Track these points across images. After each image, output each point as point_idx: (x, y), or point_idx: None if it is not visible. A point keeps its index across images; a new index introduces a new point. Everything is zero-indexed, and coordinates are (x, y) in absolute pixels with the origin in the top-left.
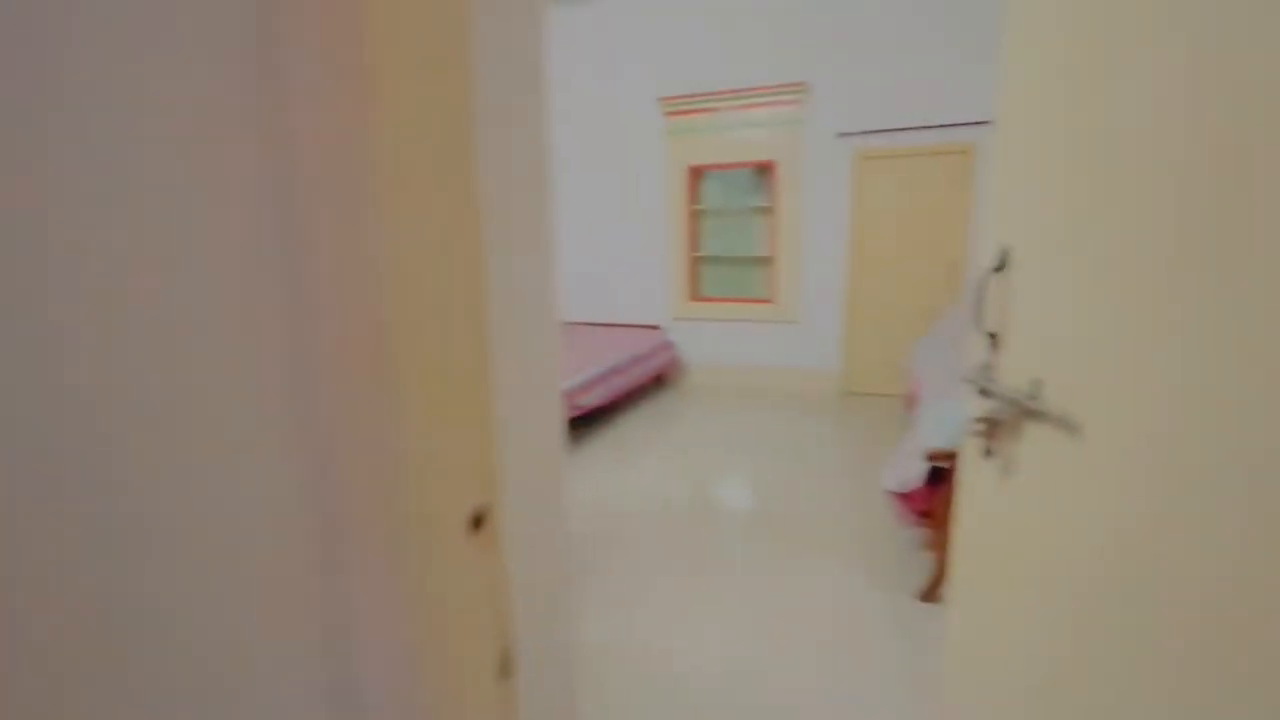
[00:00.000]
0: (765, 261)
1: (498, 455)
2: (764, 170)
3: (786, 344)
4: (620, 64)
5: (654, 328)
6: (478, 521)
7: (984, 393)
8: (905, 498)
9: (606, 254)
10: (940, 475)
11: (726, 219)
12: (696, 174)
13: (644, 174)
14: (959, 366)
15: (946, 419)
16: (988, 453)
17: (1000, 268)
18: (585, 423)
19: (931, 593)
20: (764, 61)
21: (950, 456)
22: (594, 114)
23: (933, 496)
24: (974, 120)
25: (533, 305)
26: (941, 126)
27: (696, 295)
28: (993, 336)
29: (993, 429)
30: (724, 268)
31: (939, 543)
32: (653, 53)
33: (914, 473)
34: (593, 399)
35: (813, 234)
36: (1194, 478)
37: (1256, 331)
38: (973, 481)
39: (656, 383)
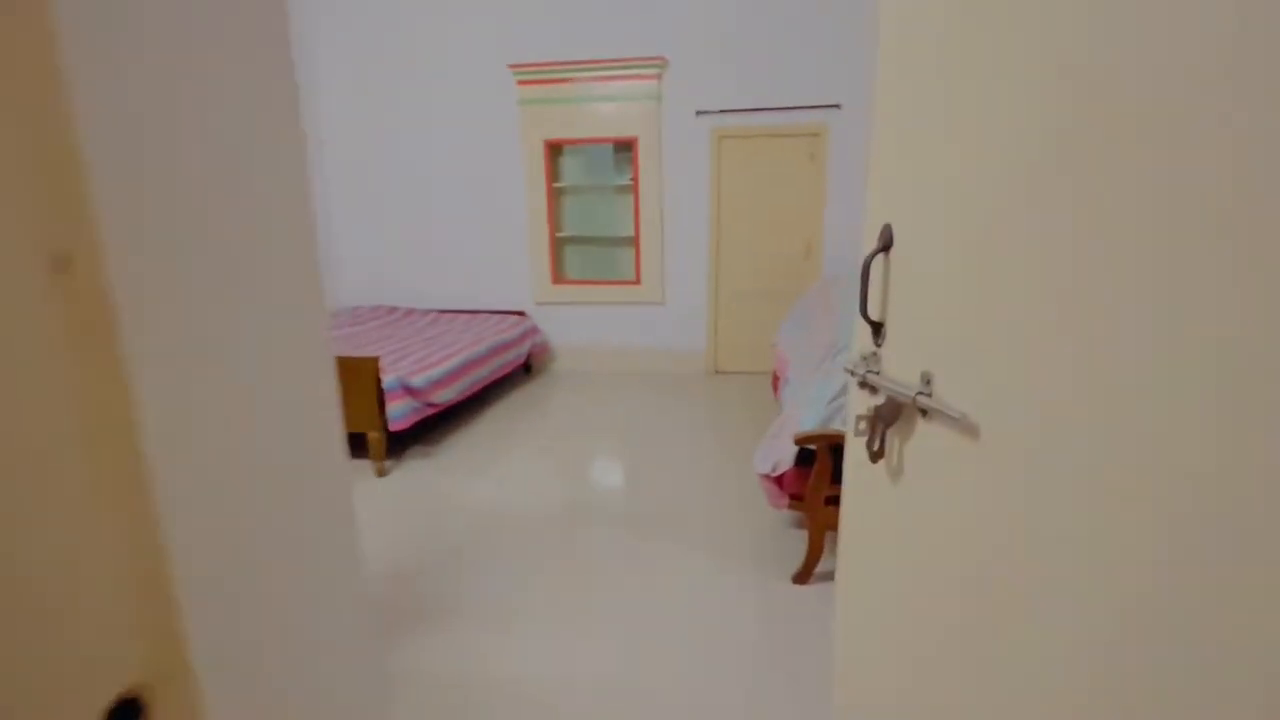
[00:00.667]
0: (629, 242)
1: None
2: (625, 147)
3: (654, 325)
4: (467, 22)
5: (518, 314)
6: None
7: (867, 386)
8: (776, 480)
9: (464, 236)
10: (809, 457)
11: (588, 197)
12: (555, 150)
13: (499, 148)
14: (820, 347)
15: (813, 401)
16: (875, 454)
17: (885, 249)
18: (443, 420)
19: (804, 575)
20: (623, 33)
21: (819, 440)
22: (440, 79)
23: (802, 479)
24: (826, 103)
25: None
26: (795, 108)
27: (560, 278)
28: (877, 326)
29: (877, 424)
30: (587, 248)
31: (811, 524)
32: (502, 13)
33: (784, 455)
34: (449, 394)
35: (676, 213)
36: (1093, 478)
37: (1156, 325)
38: (857, 477)
39: (525, 371)
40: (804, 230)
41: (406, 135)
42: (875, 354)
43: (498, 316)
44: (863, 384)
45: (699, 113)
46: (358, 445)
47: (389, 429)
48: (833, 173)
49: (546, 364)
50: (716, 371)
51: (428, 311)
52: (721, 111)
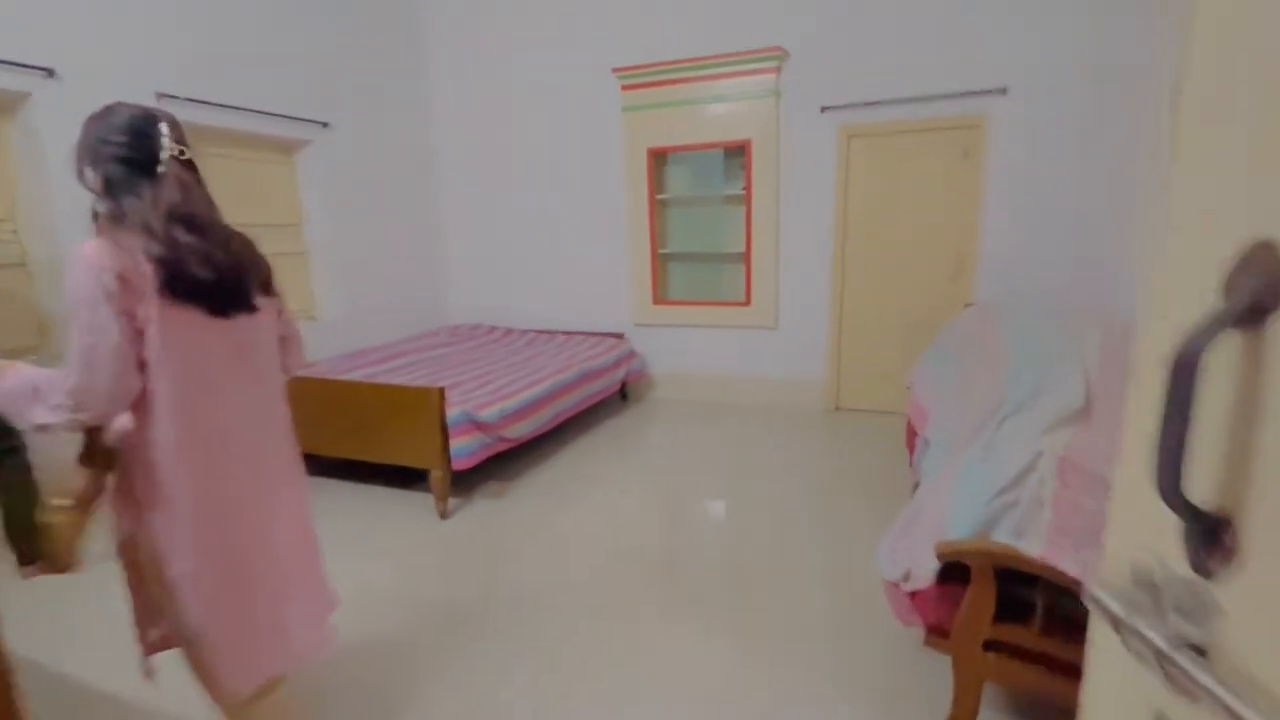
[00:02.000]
0: (738, 258)
1: None
2: (736, 152)
3: (765, 352)
4: (569, 28)
5: (616, 336)
6: None
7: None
8: (909, 595)
9: (560, 252)
10: (959, 571)
11: (694, 209)
12: (658, 158)
13: (599, 158)
14: (979, 403)
15: (968, 491)
16: None
17: (1254, 314)
18: (523, 452)
19: None
20: (734, 24)
21: (976, 556)
22: (541, 90)
23: (947, 603)
24: (985, 89)
25: None
26: (945, 97)
27: (662, 298)
28: (1206, 521)
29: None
30: (692, 266)
31: (959, 672)
32: (605, 16)
33: (920, 565)
34: (525, 429)
35: (794, 225)
36: None
37: None
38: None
39: (620, 397)
40: (952, 243)
41: (511, 148)
42: (1194, 588)
43: (595, 339)
44: (1132, 649)
45: (824, 109)
46: (419, 480)
47: (453, 467)
48: (993, 173)
49: (644, 391)
50: (837, 408)
51: (525, 332)
52: (852, 105)
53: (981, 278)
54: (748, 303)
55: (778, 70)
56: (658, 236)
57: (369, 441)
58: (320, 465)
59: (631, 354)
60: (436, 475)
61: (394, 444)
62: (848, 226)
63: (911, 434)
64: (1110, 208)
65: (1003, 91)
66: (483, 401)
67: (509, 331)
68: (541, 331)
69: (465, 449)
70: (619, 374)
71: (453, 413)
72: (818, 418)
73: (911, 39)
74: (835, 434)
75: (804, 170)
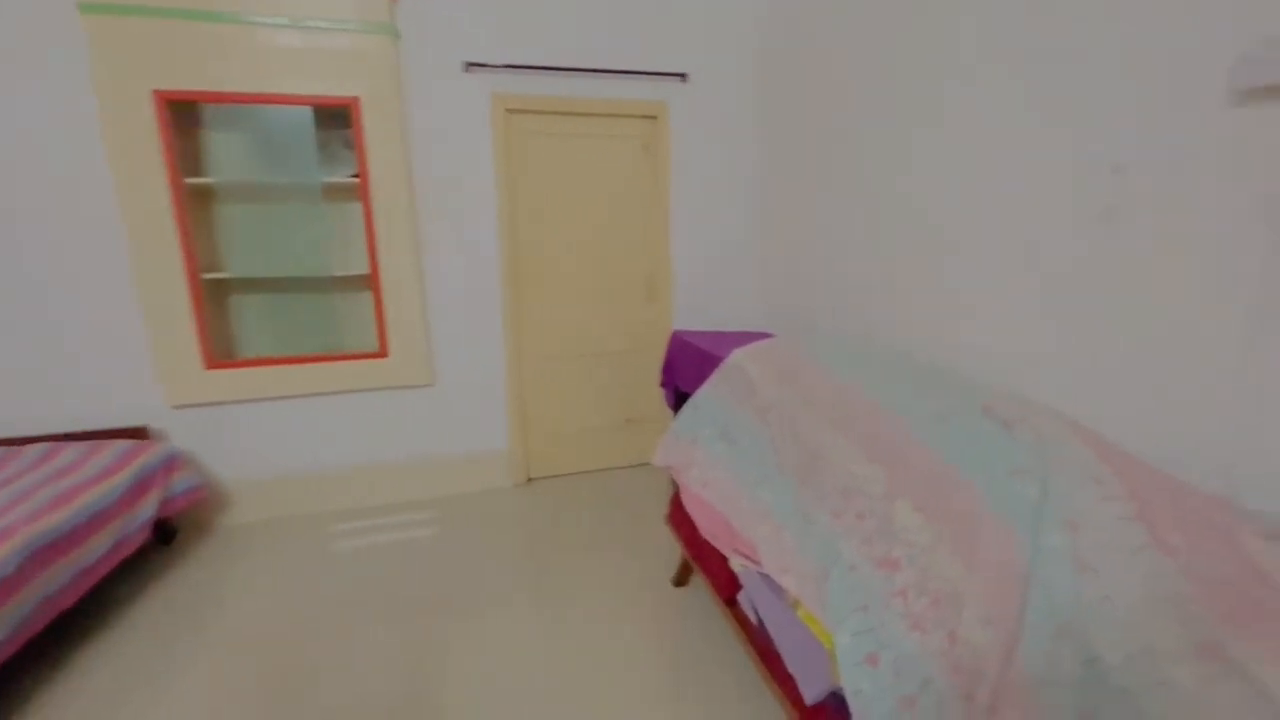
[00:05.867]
0: (360, 284)
1: None
2: (336, 117)
3: (420, 421)
4: None
5: (133, 433)
6: None
7: None
8: None
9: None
10: None
11: (270, 207)
12: (182, 114)
13: (39, 106)
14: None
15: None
16: None
17: None
18: None
19: None
20: None
21: None
22: None
23: None
24: (666, 70)
25: None
26: (622, 74)
27: (222, 357)
28: None
29: None
30: (278, 300)
31: None
32: None
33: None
34: None
35: (444, 234)
36: None
37: None
38: None
39: (161, 542)
40: (646, 257)
41: None
42: None
43: (85, 445)
44: None
45: (470, 65)
46: None
47: None
48: (681, 174)
49: (209, 518)
50: (529, 480)
51: None
52: (509, 68)
53: (679, 298)
54: (383, 352)
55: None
56: (200, 252)
57: None
58: None
59: (172, 461)
60: None
61: None
62: (518, 237)
63: (699, 545)
64: (798, 215)
65: (682, 77)
66: None
67: None
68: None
69: None
70: (147, 504)
71: None
72: (506, 499)
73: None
74: (535, 522)
75: (449, 154)
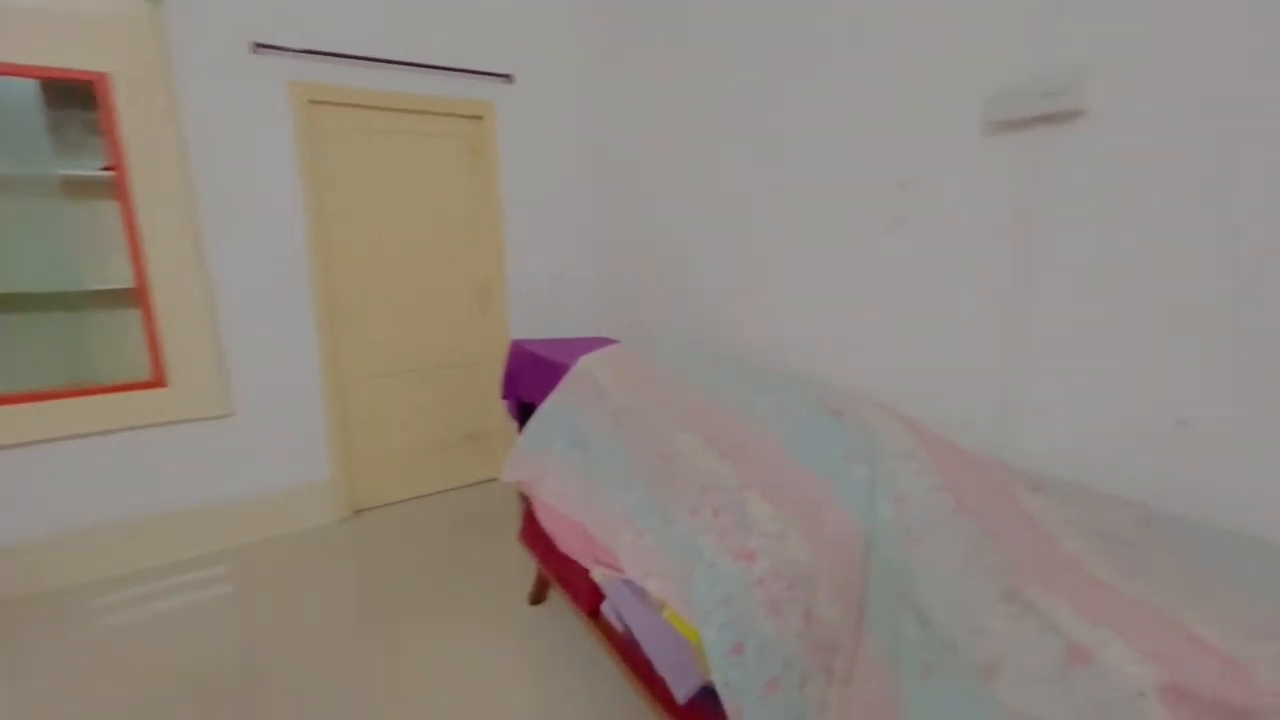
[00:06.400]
0: (122, 300)
1: None
2: (77, 96)
3: (217, 458)
4: None
5: None
6: None
7: None
8: None
9: None
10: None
11: None
12: None
13: None
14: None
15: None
16: None
17: None
18: None
19: None
20: None
21: None
22: None
23: None
24: (491, 70)
25: None
26: (442, 70)
27: None
28: None
29: None
30: (10, 321)
31: None
32: None
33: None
34: None
35: (234, 237)
36: None
37: None
38: None
39: None
40: (477, 265)
41: None
42: None
43: None
44: None
45: (260, 47)
46: None
47: None
48: (513, 177)
49: None
50: (357, 512)
51: None
52: (310, 54)
53: (515, 307)
54: (160, 381)
55: None
56: None
57: None
58: None
59: None
60: None
61: None
62: (330, 241)
63: (557, 560)
64: (634, 220)
65: (508, 78)
66: None
67: None
68: None
69: None
70: None
71: None
72: (329, 536)
73: None
74: (366, 555)
75: (238, 147)
